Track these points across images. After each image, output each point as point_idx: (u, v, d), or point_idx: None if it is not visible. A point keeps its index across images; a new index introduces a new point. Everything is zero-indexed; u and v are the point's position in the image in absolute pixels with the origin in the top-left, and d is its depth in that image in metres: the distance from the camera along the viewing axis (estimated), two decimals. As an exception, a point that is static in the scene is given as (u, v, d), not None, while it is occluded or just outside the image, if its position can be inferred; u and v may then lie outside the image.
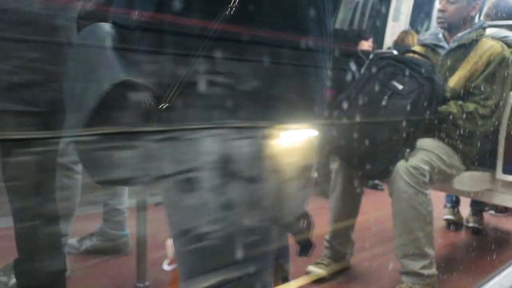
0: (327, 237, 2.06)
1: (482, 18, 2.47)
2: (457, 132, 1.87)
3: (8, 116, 1.18)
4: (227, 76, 0.57)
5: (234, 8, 0.55)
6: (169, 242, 1.23)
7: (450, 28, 1.99)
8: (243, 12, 0.55)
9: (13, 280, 1.49)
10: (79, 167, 1.70)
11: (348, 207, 2.03)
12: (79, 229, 2.01)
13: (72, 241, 1.97)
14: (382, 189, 3.47)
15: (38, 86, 1.17)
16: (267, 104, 0.58)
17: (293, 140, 0.61)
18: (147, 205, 1.81)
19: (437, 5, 2.05)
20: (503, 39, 2.05)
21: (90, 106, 0.55)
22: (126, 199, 2.04)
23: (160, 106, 0.55)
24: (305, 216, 0.64)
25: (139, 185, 0.72)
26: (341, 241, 2.04)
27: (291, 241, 0.69)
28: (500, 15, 2.44)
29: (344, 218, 2.04)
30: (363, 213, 2.11)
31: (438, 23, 2.02)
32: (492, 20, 2.35)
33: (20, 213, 1.28)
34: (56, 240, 1.34)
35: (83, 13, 1.69)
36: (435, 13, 4.96)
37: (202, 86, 0.56)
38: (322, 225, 2.06)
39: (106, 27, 0.64)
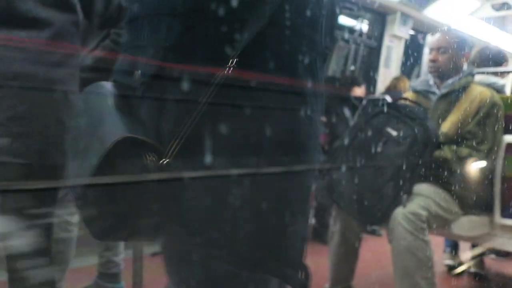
0: (327, 285, 2.02)
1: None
2: (453, 177, 1.88)
3: None
4: (225, 129, 0.58)
5: (234, 60, 0.57)
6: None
7: (442, 76, 2.05)
8: (242, 62, 0.57)
9: None
10: (75, 219, 1.68)
11: (348, 254, 2.01)
12: (74, 283, 1.96)
13: (65, 295, 1.91)
14: (380, 235, 3.44)
15: (27, 138, 1.17)
16: (262, 150, 0.59)
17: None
18: (143, 255, 1.79)
19: (428, 55, 2.12)
20: (491, 85, 2.11)
21: (92, 164, 0.56)
22: (122, 250, 2.00)
23: (161, 161, 0.56)
24: (303, 267, 0.63)
25: (140, 240, 0.72)
26: (341, 290, 2.00)
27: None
28: (484, 62, 2.52)
29: (343, 265, 2.02)
30: (362, 259, 2.08)
31: (430, 72, 2.09)
32: (477, 66, 2.42)
33: (13, 267, 1.26)
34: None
35: (86, 66, 1.74)
36: (424, 60, 5.11)
37: (202, 139, 0.57)
38: (322, 272, 2.02)
39: (108, 85, 0.66)
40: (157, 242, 0.65)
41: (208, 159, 0.57)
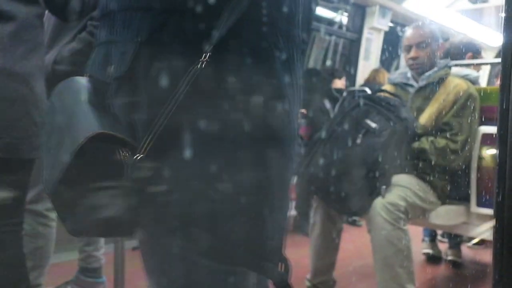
0: (308, 276, 2.05)
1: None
2: (430, 168, 1.92)
3: None
4: (200, 123, 0.58)
5: (208, 56, 0.56)
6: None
7: (422, 70, 2.07)
8: (216, 57, 0.57)
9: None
10: (54, 214, 1.66)
11: (328, 244, 2.04)
12: (54, 278, 1.94)
13: (46, 291, 1.90)
14: (360, 225, 3.49)
15: None
16: (238, 143, 0.59)
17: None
18: (124, 250, 1.78)
19: (405, 52, 2.12)
20: (465, 77, 2.15)
21: (64, 160, 0.56)
22: (103, 245, 1.99)
23: (135, 157, 0.56)
24: (283, 260, 0.64)
25: (116, 236, 0.71)
26: (322, 280, 2.02)
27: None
28: (455, 54, 2.56)
29: (324, 256, 2.04)
30: (343, 250, 2.11)
31: (412, 69, 2.09)
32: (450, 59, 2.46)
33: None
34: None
35: (59, 58, 1.71)
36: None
37: (176, 134, 0.57)
38: (303, 263, 2.05)
39: (83, 80, 0.65)
40: (133, 238, 0.64)
41: (183, 153, 0.57)
